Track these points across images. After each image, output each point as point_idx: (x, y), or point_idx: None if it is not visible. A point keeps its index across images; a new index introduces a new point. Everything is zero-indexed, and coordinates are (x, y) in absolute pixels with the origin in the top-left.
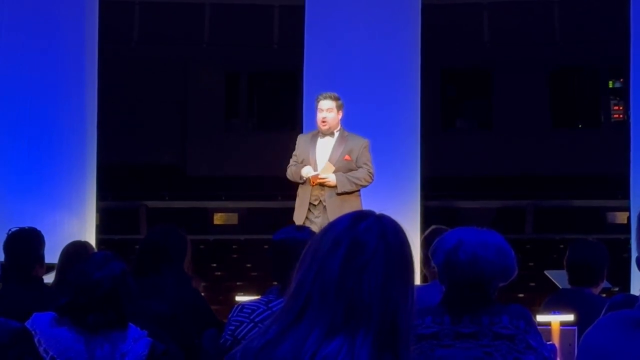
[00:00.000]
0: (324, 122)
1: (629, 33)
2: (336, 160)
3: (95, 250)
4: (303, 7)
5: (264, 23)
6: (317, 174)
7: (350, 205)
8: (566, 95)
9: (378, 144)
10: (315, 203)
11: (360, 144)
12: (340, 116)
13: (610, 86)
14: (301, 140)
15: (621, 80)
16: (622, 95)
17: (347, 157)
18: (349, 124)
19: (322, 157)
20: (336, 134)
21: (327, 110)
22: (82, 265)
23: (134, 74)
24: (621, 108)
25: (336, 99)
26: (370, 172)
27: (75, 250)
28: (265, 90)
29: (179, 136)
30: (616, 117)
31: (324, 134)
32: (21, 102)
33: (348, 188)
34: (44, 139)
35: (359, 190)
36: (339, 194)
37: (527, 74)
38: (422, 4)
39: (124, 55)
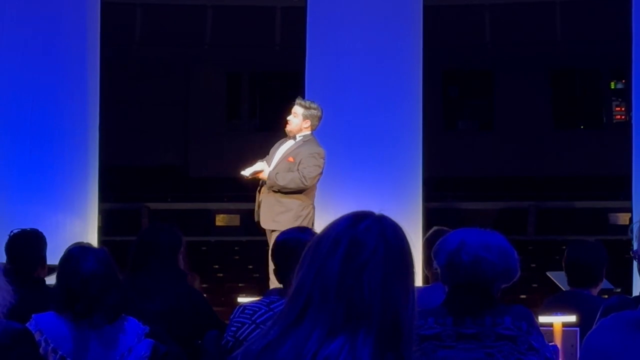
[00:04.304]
0: (287, 122)
1: (630, 34)
2: (279, 159)
3: None
4: (305, 8)
5: (265, 24)
6: (247, 176)
7: (281, 207)
8: (568, 96)
9: (380, 145)
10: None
11: (309, 151)
12: (305, 124)
13: (612, 87)
14: (276, 142)
15: (623, 81)
16: (624, 96)
17: (290, 158)
18: (351, 125)
19: (278, 157)
20: (298, 138)
21: (293, 115)
22: (64, 265)
23: (135, 75)
24: (623, 109)
25: (307, 107)
26: (301, 177)
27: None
28: (267, 91)
29: (181, 137)
30: (618, 118)
31: (288, 137)
32: (23, 104)
33: (275, 185)
34: (45, 141)
35: (303, 194)
36: (274, 191)
37: (528, 75)
38: (424, 5)
39: (126, 57)
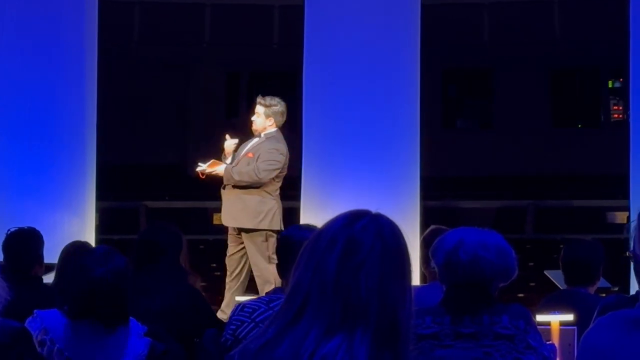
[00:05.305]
0: (252, 123)
1: (628, 33)
2: (241, 156)
3: None
4: (303, 7)
5: (264, 23)
6: (204, 168)
7: (241, 203)
8: (566, 95)
9: (377, 143)
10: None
11: (268, 147)
12: (269, 122)
13: (610, 86)
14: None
15: (621, 80)
16: (622, 95)
17: (249, 154)
18: (349, 123)
19: (240, 155)
20: (262, 136)
21: (255, 115)
22: (83, 261)
23: (134, 74)
24: (621, 108)
25: (267, 106)
26: (256, 170)
27: (75, 251)
28: (266, 90)
29: (179, 136)
30: (616, 117)
31: (254, 134)
32: (21, 103)
33: (231, 180)
34: (43, 140)
35: (262, 189)
36: (234, 187)
37: (527, 74)
38: (422, 4)
39: (124, 56)
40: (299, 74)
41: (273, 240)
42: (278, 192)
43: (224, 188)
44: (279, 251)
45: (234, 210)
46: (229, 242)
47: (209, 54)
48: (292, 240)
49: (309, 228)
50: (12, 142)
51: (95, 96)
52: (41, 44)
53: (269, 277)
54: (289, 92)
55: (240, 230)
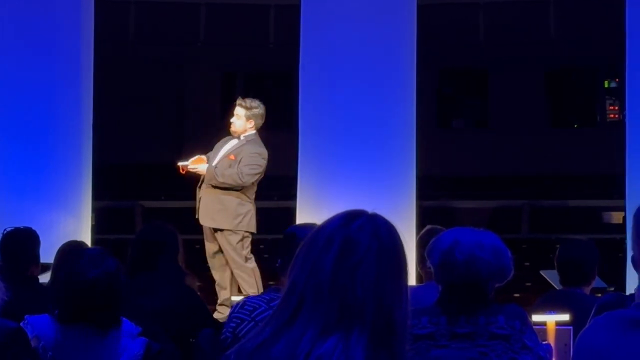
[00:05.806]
0: (231, 124)
1: (624, 33)
2: (221, 156)
3: None
4: (299, 7)
5: (259, 22)
6: (187, 164)
7: (219, 204)
8: (562, 94)
9: (373, 143)
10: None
11: (251, 151)
12: (249, 124)
13: (606, 86)
14: (220, 140)
15: (617, 80)
16: (618, 95)
17: (231, 156)
18: (345, 123)
19: (220, 155)
20: (242, 138)
21: (235, 116)
22: (76, 263)
23: (129, 74)
24: (617, 108)
25: (248, 108)
26: (239, 173)
27: (71, 250)
28: (262, 90)
29: (175, 136)
30: (612, 117)
31: (233, 136)
32: (17, 102)
33: (213, 181)
34: (39, 139)
35: (241, 192)
36: (213, 187)
37: (522, 74)
38: (418, 4)
39: (120, 55)
40: (295, 74)
41: (248, 241)
42: (254, 195)
43: (199, 187)
44: (282, 249)
45: (213, 211)
46: (205, 240)
47: (204, 54)
48: (296, 237)
49: (313, 226)
50: (8, 141)
51: (91, 95)
52: (37, 44)
53: (249, 274)
54: (285, 91)
55: (216, 230)
